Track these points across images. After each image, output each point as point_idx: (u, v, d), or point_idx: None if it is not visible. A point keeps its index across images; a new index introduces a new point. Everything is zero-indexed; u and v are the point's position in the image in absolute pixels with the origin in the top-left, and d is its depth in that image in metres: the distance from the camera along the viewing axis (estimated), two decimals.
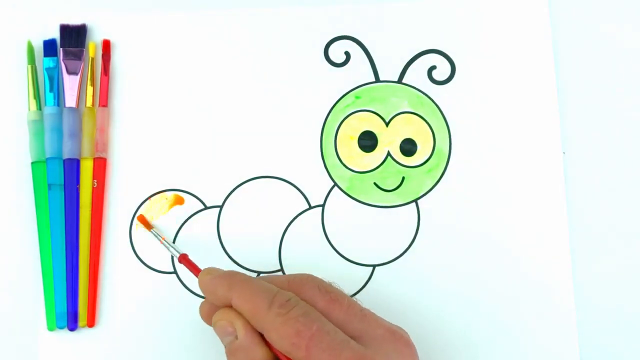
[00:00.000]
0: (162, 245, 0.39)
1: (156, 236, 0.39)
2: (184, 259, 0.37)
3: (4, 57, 0.43)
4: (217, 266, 0.40)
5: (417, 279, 0.40)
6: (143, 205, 0.41)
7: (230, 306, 0.32)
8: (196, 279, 0.39)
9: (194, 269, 0.36)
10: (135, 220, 0.41)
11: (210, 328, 0.39)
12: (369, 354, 0.30)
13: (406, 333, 0.33)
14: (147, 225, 0.40)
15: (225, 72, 0.42)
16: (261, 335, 0.31)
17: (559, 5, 0.43)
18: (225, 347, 0.32)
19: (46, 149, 0.41)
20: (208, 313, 0.34)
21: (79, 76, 0.42)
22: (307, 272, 0.34)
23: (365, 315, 0.32)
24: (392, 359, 0.31)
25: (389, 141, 0.41)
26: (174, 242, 0.40)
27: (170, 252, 0.38)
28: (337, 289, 0.33)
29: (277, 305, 0.30)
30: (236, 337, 0.32)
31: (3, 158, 0.42)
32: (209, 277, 0.34)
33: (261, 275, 0.40)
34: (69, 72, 0.42)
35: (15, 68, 0.43)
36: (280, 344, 0.30)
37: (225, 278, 0.33)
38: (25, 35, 0.43)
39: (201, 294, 0.39)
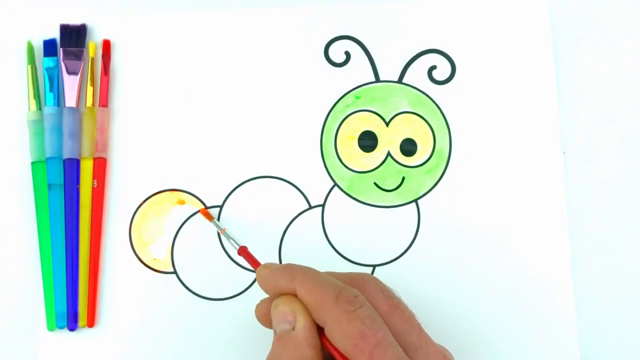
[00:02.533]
0: (222, 236, 0.39)
1: (217, 227, 0.39)
2: (243, 251, 0.36)
3: (4, 57, 0.43)
4: (217, 266, 0.40)
5: (417, 279, 0.40)
6: (143, 205, 0.41)
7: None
8: (196, 279, 0.40)
9: (253, 261, 0.36)
10: (198, 212, 0.40)
11: (210, 328, 0.39)
12: None
13: (451, 355, 0.32)
14: (209, 216, 0.40)
15: (225, 72, 0.42)
16: (317, 334, 0.30)
17: (559, 5, 0.43)
18: (276, 334, 0.31)
19: (46, 149, 0.41)
20: (265, 313, 0.32)
21: (79, 76, 0.42)
22: None
23: (422, 331, 0.31)
24: None
25: (389, 141, 0.41)
26: (174, 241, 0.40)
27: (231, 243, 0.37)
28: (398, 296, 0.32)
29: (344, 300, 0.29)
30: (293, 328, 0.30)
31: (3, 158, 0.42)
32: (268, 271, 0.32)
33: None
34: (69, 72, 0.42)
35: (15, 68, 0.43)
36: (342, 342, 0.29)
37: (286, 269, 0.32)
38: (25, 35, 0.43)
39: (201, 294, 0.40)
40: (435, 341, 0.31)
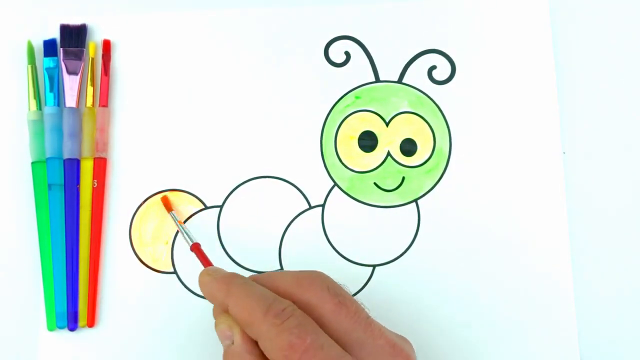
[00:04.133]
0: (177, 228, 0.39)
1: (173, 219, 0.39)
2: (195, 248, 0.37)
3: (4, 57, 0.43)
4: (217, 266, 0.40)
5: (417, 279, 0.40)
6: (143, 205, 0.41)
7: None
8: (196, 279, 0.40)
9: (204, 259, 0.36)
10: (158, 200, 0.41)
11: (210, 328, 0.39)
12: None
13: (409, 344, 0.32)
14: (168, 207, 0.40)
15: (225, 72, 0.42)
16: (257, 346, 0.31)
17: (559, 5, 0.43)
18: (223, 349, 0.32)
19: (46, 149, 0.41)
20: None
21: (79, 76, 0.42)
22: None
23: (370, 324, 0.31)
24: None
25: (389, 141, 0.41)
26: (174, 241, 0.40)
27: (184, 237, 0.38)
28: (346, 292, 0.32)
29: (272, 314, 0.29)
30: (232, 342, 0.31)
31: (3, 158, 0.42)
32: (209, 279, 0.33)
33: (269, 272, 0.39)
34: (69, 72, 0.42)
35: (15, 68, 0.43)
36: (273, 355, 0.29)
37: (223, 282, 0.32)
38: (25, 35, 0.43)
39: (201, 293, 0.39)
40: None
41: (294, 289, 0.31)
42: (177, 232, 0.41)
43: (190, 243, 0.37)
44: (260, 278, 0.33)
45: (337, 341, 0.30)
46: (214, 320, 0.33)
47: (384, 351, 0.30)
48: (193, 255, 0.40)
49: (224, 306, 0.32)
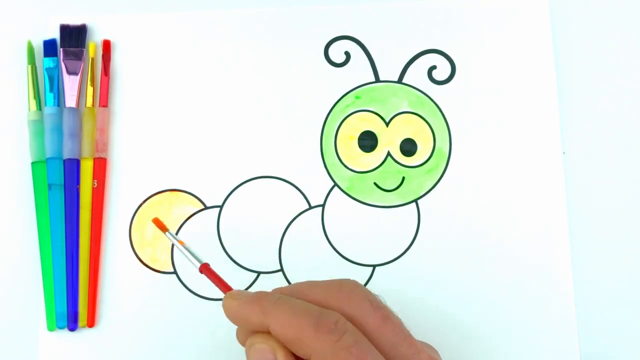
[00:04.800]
0: (178, 250, 0.36)
1: (173, 240, 0.36)
2: (205, 269, 0.33)
3: (4, 57, 0.43)
4: (217, 266, 0.40)
5: (417, 279, 0.40)
6: (143, 205, 0.41)
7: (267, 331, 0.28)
8: (196, 279, 0.40)
9: (217, 280, 0.33)
10: (150, 222, 0.39)
11: (210, 328, 0.39)
12: None
13: (439, 356, 0.31)
14: (162, 227, 0.38)
15: (225, 72, 0.42)
16: None
17: (559, 5, 0.43)
18: None
19: (46, 149, 0.41)
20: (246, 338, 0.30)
21: (79, 76, 0.42)
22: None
23: (411, 338, 0.29)
24: None
25: (389, 141, 0.41)
26: None
27: (189, 259, 0.34)
28: (385, 304, 0.30)
29: (325, 329, 0.27)
30: None
31: (3, 158, 0.42)
32: (237, 302, 0.29)
33: (294, 284, 0.32)
34: (69, 72, 0.42)
35: (15, 68, 0.43)
36: None
37: (256, 302, 0.29)
38: (25, 35, 0.43)
39: (201, 293, 0.39)
40: (436, 341, 0.31)
41: (333, 301, 0.29)
42: (177, 232, 0.41)
43: (198, 264, 0.34)
44: (289, 292, 0.30)
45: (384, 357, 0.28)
46: (241, 342, 0.30)
47: None
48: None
49: (262, 327, 0.28)
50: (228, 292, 0.31)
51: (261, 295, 0.29)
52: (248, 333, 0.29)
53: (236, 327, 0.31)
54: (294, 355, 0.28)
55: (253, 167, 0.41)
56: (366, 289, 0.30)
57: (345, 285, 0.29)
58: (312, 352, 0.27)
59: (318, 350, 0.27)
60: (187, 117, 0.42)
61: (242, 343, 0.30)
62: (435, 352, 0.31)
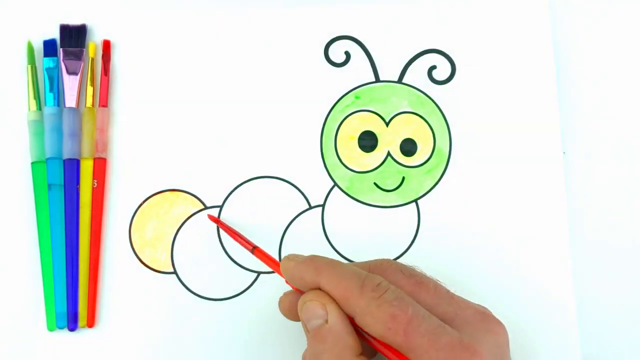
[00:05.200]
0: (233, 239, 0.39)
1: (228, 229, 0.39)
2: (259, 252, 0.36)
3: (4, 57, 0.43)
4: (217, 266, 0.40)
5: None
6: (143, 205, 0.41)
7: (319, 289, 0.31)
8: (196, 279, 0.40)
9: (270, 260, 0.35)
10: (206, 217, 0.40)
11: (210, 328, 0.39)
12: (466, 339, 0.29)
13: (491, 312, 0.32)
14: (218, 221, 0.40)
15: (225, 72, 0.42)
16: (351, 323, 0.30)
17: (559, 5, 0.43)
18: (310, 331, 0.31)
19: (46, 149, 0.41)
20: (290, 307, 0.33)
21: (79, 76, 0.42)
22: None
23: (453, 297, 0.31)
24: (486, 340, 0.30)
25: (389, 141, 0.41)
26: (174, 241, 0.40)
27: (243, 245, 0.37)
28: (419, 272, 0.32)
29: (369, 288, 0.29)
30: (326, 321, 0.30)
31: (3, 158, 0.42)
32: (293, 263, 0.32)
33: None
34: (69, 72, 0.42)
35: (15, 68, 0.43)
36: (375, 328, 0.29)
37: (311, 262, 0.32)
38: (25, 35, 0.43)
39: (201, 294, 0.40)
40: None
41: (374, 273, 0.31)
42: (177, 232, 0.41)
43: (252, 248, 0.37)
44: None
45: None
46: (300, 301, 0.32)
47: (476, 319, 0.31)
48: (193, 255, 0.40)
49: (315, 285, 0.31)
50: (286, 255, 0.33)
51: (314, 257, 0.32)
52: (294, 303, 0.32)
53: (278, 298, 0.34)
54: (344, 313, 0.30)
55: (253, 167, 0.41)
56: (399, 262, 0.33)
57: (380, 262, 0.33)
58: (358, 309, 0.29)
59: (363, 307, 0.29)
60: (187, 117, 0.42)
61: (285, 310, 0.33)
62: (487, 309, 0.32)
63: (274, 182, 0.41)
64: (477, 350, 0.28)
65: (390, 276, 0.31)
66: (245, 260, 0.40)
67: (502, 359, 0.30)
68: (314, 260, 0.32)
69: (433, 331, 0.28)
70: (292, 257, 0.33)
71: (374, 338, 0.30)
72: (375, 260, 0.33)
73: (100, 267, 0.40)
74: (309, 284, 0.32)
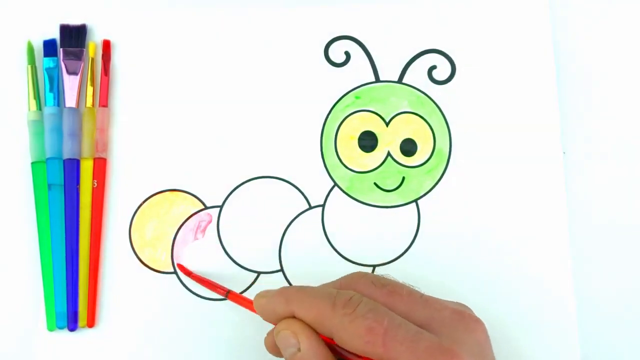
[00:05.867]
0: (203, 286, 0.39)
1: (199, 279, 0.39)
2: (233, 296, 0.37)
3: (4, 57, 0.43)
4: (216, 266, 0.40)
5: (417, 279, 0.39)
6: (143, 205, 0.41)
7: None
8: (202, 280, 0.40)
9: (244, 300, 0.36)
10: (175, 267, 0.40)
11: (210, 328, 0.39)
12: (444, 342, 0.28)
13: (469, 309, 0.32)
14: (187, 272, 0.40)
15: (225, 72, 0.42)
16: (325, 346, 0.30)
17: (559, 5, 0.43)
18: (286, 359, 0.31)
19: (46, 149, 0.41)
20: (273, 344, 0.32)
21: (79, 76, 0.42)
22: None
23: (427, 300, 0.31)
24: (465, 340, 0.29)
25: (389, 141, 0.41)
26: (173, 241, 0.40)
27: (216, 292, 0.38)
28: (391, 280, 0.32)
29: (341, 305, 0.29)
30: (299, 349, 0.30)
31: (3, 158, 0.42)
32: (265, 300, 0.32)
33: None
34: (69, 72, 0.42)
35: (15, 68, 0.43)
36: (353, 344, 0.29)
37: (281, 294, 0.32)
38: (25, 35, 0.43)
39: (201, 293, 0.39)
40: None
41: (345, 289, 0.31)
42: (177, 232, 0.41)
43: (225, 293, 0.37)
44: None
45: None
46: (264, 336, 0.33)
47: (453, 319, 0.30)
48: (192, 255, 0.40)
49: (289, 314, 0.31)
50: (257, 293, 0.33)
51: (284, 289, 0.32)
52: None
53: (263, 337, 0.33)
54: (317, 338, 0.30)
55: (253, 167, 0.41)
56: (370, 274, 0.33)
57: (350, 277, 0.33)
58: (333, 328, 0.29)
59: (337, 325, 0.29)
60: (187, 117, 0.42)
61: (270, 347, 0.33)
62: (465, 306, 0.32)
63: (274, 182, 0.41)
64: (457, 352, 0.28)
65: (362, 289, 0.31)
66: (246, 261, 0.40)
67: (483, 357, 0.30)
68: (284, 292, 0.32)
69: (411, 338, 0.28)
70: (264, 294, 0.33)
71: (355, 355, 0.29)
72: (347, 276, 0.33)
73: (100, 267, 0.40)
74: (283, 315, 0.31)
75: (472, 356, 0.29)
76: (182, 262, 0.40)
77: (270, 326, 0.33)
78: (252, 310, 0.34)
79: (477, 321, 0.31)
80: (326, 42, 0.43)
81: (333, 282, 0.33)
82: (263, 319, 0.33)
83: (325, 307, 0.30)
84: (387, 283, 0.32)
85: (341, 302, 0.29)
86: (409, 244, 0.40)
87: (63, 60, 0.42)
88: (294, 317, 0.31)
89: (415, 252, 0.40)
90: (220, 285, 0.38)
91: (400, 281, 0.32)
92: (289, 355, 0.31)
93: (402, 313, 0.30)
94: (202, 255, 0.40)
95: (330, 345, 0.30)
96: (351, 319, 0.29)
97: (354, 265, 0.40)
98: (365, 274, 0.33)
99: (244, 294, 0.39)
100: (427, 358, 0.28)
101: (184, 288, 0.40)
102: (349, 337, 0.29)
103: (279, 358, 0.33)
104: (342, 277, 0.33)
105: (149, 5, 0.44)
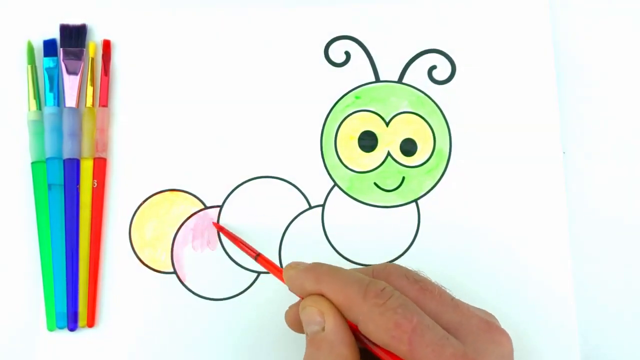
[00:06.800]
0: (238, 246, 0.39)
1: (232, 237, 0.39)
2: (262, 258, 0.36)
3: (4, 57, 0.43)
4: (217, 266, 0.40)
5: None
6: (143, 205, 0.41)
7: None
8: (196, 279, 0.40)
9: (273, 267, 0.35)
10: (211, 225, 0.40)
11: (210, 328, 0.39)
12: (470, 352, 0.28)
13: (496, 320, 0.32)
14: (221, 228, 0.40)
15: (225, 72, 0.42)
16: (350, 332, 0.30)
17: (559, 5, 0.43)
18: (307, 336, 0.30)
19: (46, 149, 0.41)
20: (295, 318, 0.32)
21: (79, 76, 0.42)
22: None
23: (457, 305, 0.31)
24: (490, 352, 0.29)
25: (389, 141, 0.41)
26: (173, 241, 0.40)
27: (247, 253, 0.38)
28: (424, 277, 0.32)
29: (372, 294, 0.29)
30: (323, 329, 0.30)
31: (3, 158, 0.42)
32: (295, 271, 0.32)
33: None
34: (69, 72, 0.42)
35: (15, 68, 0.43)
36: (378, 335, 0.28)
37: (312, 270, 0.31)
38: (25, 35, 0.43)
39: (201, 294, 0.40)
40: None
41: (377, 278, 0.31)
42: (177, 232, 0.41)
43: (255, 255, 0.37)
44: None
45: None
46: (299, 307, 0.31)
47: (480, 329, 0.30)
48: (192, 255, 0.40)
49: (317, 292, 0.31)
50: (288, 264, 0.33)
51: (316, 264, 0.32)
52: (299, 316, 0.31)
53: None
54: (343, 320, 0.30)
55: (253, 167, 0.41)
56: (404, 267, 0.32)
57: (384, 267, 0.32)
58: (361, 315, 0.29)
59: (366, 313, 0.29)
60: (187, 117, 0.42)
61: (290, 322, 0.33)
62: (492, 316, 0.32)
63: (274, 182, 0.41)
64: None
65: (395, 281, 0.31)
66: (246, 261, 0.40)
67: None
68: (315, 268, 0.31)
69: (437, 342, 0.28)
70: (294, 265, 0.32)
71: (377, 346, 0.29)
72: (379, 265, 0.33)
73: (100, 267, 0.40)
74: (310, 292, 0.31)
75: None
76: (182, 263, 0.40)
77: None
78: (280, 279, 0.33)
79: (504, 334, 0.30)
80: (326, 42, 0.43)
81: (366, 269, 0.32)
82: (290, 290, 0.32)
83: (357, 293, 0.29)
84: (420, 279, 0.31)
85: (373, 292, 0.29)
86: (409, 244, 0.40)
87: (63, 60, 0.42)
88: (321, 294, 0.30)
89: (415, 252, 0.40)
90: (252, 247, 0.38)
91: (433, 281, 0.32)
92: (312, 333, 0.30)
93: (431, 313, 0.30)
94: (202, 255, 0.40)
95: (353, 331, 0.30)
96: (381, 310, 0.28)
97: (354, 265, 0.40)
98: (400, 266, 0.32)
99: (244, 294, 0.39)
100: None
101: (184, 288, 0.40)
102: (376, 328, 0.28)
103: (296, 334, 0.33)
104: (375, 265, 0.33)
105: (149, 5, 0.44)
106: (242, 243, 0.38)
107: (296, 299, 0.33)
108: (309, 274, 0.31)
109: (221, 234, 0.40)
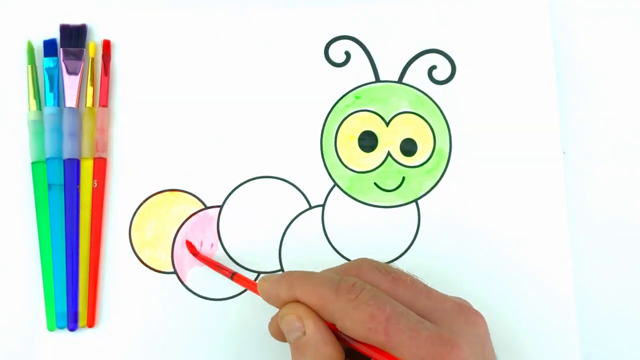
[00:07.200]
0: (211, 268, 0.39)
1: (208, 261, 0.39)
2: (238, 277, 0.36)
3: (4, 57, 0.43)
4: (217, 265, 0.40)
5: None
6: (143, 205, 0.41)
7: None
8: (196, 279, 0.40)
9: (249, 283, 0.36)
10: (183, 244, 0.40)
11: (210, 328, 0.39)
12: (445, 333, 0.29)
13: (469, 303, 0.32)
14: (194, 251, 0.40)
15: (225, 72, 0.42)
16: (331, 331, 0.30)
17: (559, 5, 0.43)
18: (291, 344, 0.31)
19: (46, 149, 0.41)
20: (277, 329, 0.32)
21: (79, 76, 0.42)
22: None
23: (430, 291, 0.31)
24: (466, 333, 0.30)
25: (389, 141, 0.41)
26: (174, 241, 0.40)
27: (223, 274, 0.38)
28: (395, 268, 0.32)
29: (344, 291, 0.29)
30: (304, 333, 0.30)
31: (3, 158, 0.42)
32: (268, 283, 0.32)
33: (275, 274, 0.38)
34: (69, 72, 0.42)
35: (15, 68, 0.43)
36: (355, 330, 0.29)
37: (284, 278, 0.32)
38: (25, 35, 0.43)
39: (201, 294, 0.40)
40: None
41: (349, 275, 0.31)
42: (177, 232, 0.41)
43: (230, 275, 0.37)
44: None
45: None
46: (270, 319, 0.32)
47: (454, 311, 0.30)
48: (192, 255, 0.40)
49: (292, 299, 0.31)
50: (260, 277, 0.34)
51: (288, 273, 0.32)
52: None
53: (267, 323, 0.33)
54: (322, 322, 0.30)
55: (253, 167, 0.41)
56: (375, 260, 0.33)
57: (354, 262, 0.33)
58: (336, 313, 0.29)
59: (341, 310, 0.29)
60: (187, 117, 0.42)
61: (274, 333, 0.33)
62: (465, 301, 0.32)
63: (274, 182, 0.41)
64: (457, 343, 0.28)
65: (366, 275, 0.31)
66: (246, 261, 0.40)
67: (482, 350, 0.30)
68: (288, 276, 0.32)
69: (413, 327, 0.28)
70: (267, 278, 0.33)
71: (357, 341, 0.29)
72: (351, 262, 0.33)
73: (100, 267, 0.40)
74: (286, 300, 0.31)
75: (471, 347, 0.29)
76: (182, 263, 0.40)
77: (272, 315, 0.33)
78: (256, 292, 0.33)
79: (478, 314, 0.31)
80: (326, 42, 0.43)
81: (337, 268, 0.33)
82: (267, 302, 0.33)
83: (329, 292, 0.30)
84: (391, 270, 0.32)
85: (344, 288, 0.30)
86: (409, 244, 0.40)
87: (63, 60, 0.42)
88: (298, 301, 0.31)
89: (415, 252, 0.40)
90: (226, 267, 0.38)
91: (405, 270, 0.32)
92: (294, 339, 0.30)
93: (405, 301, 0.30)
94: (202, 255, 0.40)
95: (333, 331, 0.30)
96: (354, 305, 0.29)
97: None
98: (370, 260, 0.33)
99: (244, 294, 0.39)
100: (427, 347, 0.28)
101: (184, 288, 0.40)
102: (352, 324, 0.29)
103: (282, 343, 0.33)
104: (346, 263, 0.33)
105: (149, 5, 0.44)
106: (216, 265, 0.38)
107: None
108: (281, 283, 0.32)
109: (221, 230, 0.40)
